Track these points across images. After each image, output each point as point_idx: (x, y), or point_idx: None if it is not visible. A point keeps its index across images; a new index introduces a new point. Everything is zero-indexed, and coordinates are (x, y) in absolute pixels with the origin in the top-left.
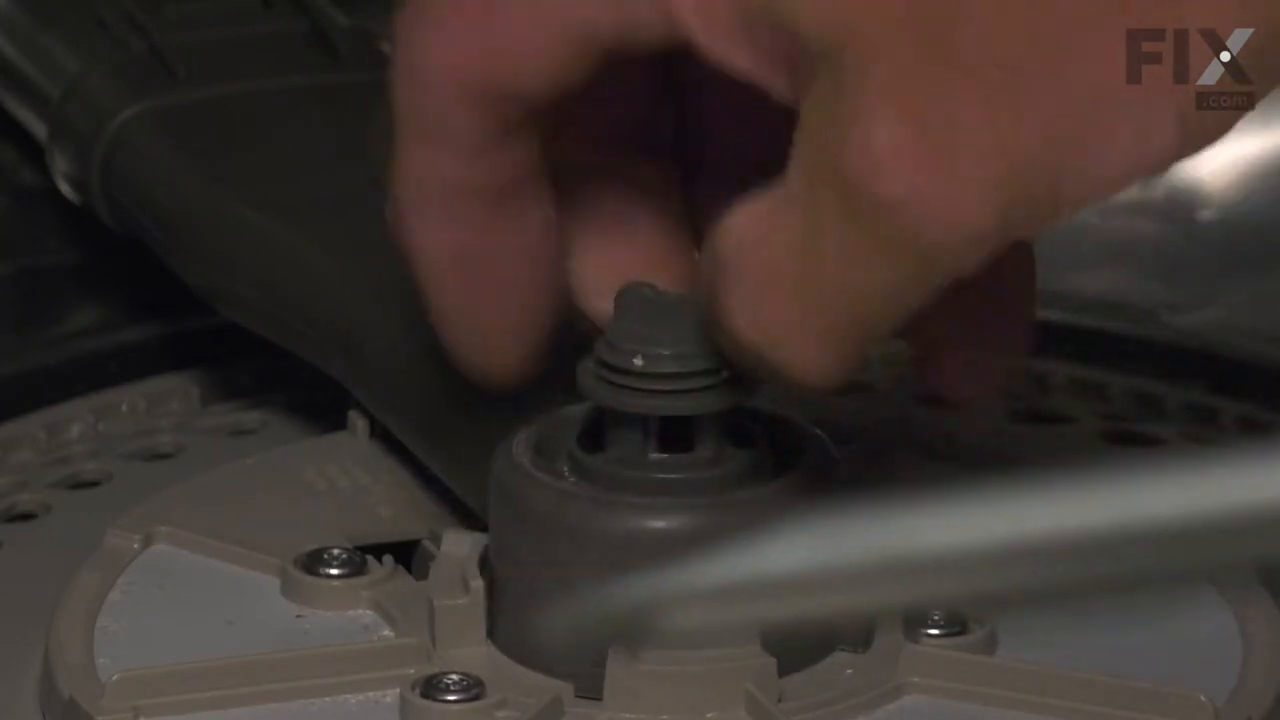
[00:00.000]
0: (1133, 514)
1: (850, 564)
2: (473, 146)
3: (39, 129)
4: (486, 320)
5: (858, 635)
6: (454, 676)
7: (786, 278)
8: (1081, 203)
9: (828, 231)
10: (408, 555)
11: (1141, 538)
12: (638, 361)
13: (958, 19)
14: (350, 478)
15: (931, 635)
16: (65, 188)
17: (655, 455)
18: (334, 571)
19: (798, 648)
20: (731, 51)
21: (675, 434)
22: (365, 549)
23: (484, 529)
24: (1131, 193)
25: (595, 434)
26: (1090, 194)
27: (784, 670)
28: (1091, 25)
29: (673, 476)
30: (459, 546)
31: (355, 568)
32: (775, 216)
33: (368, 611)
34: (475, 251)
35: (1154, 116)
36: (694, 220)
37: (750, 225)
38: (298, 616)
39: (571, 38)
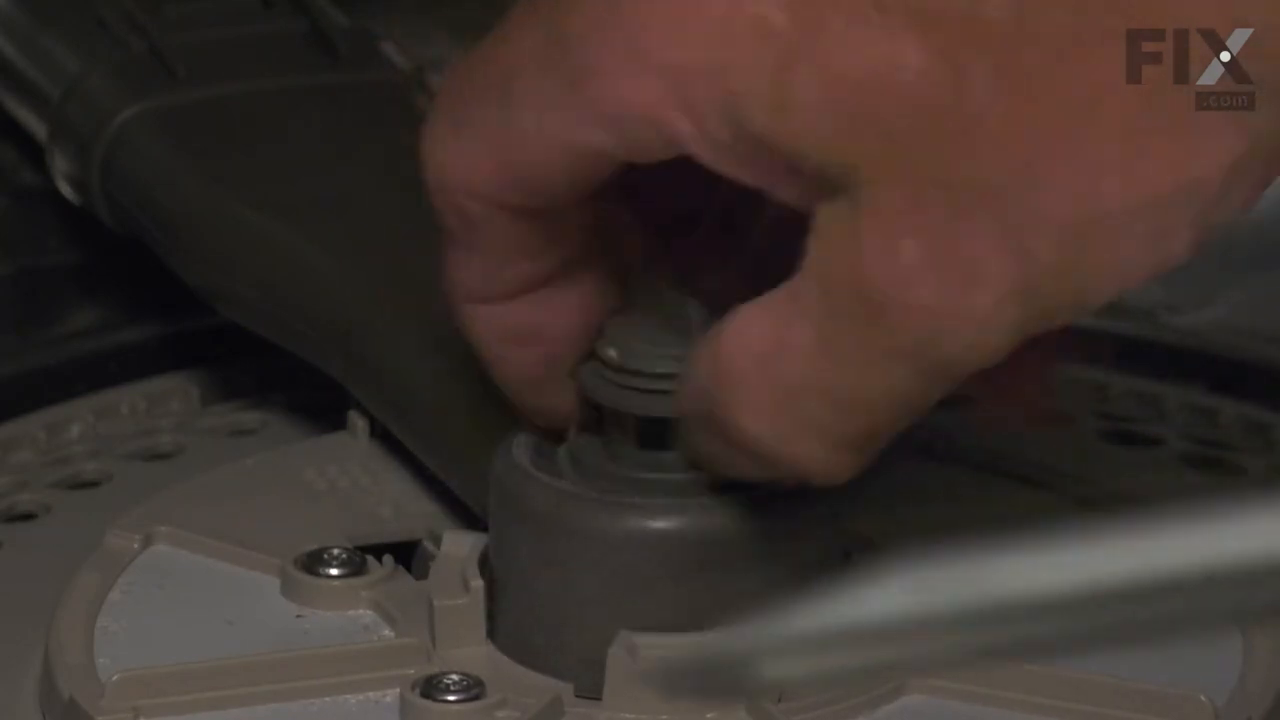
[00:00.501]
0: (1226, 554)
1: (950, 610)
2: (508, 250)
3: (39, 129)
4: (551, 384)
5: None
6: (454, 676)
7: (804, 385)
8: (1101, 301)
9: (845, 339)
10: (408, 555)
11: (1229, 578)
12: (612, 353)
13: (966, 140)
14: (350, 478)
15: None
16: (65, 188)
17: (633, 452)
18: (334, 571)
19: None
20: (737, 169)
21: (655, 432)
22: (365, 549)
23: (484, 529)
24: None
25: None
26: (1108, 294)
27: None
28: (1096, 140)
29: (670, 476)
30: (459, 546)
31: (355, 568)
32: (790, 324)
33: (368, 611)
34: (531, 327)
35: (1168, 223)
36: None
37: (761, 333)
38: (298, 616)
39: (578, 157)
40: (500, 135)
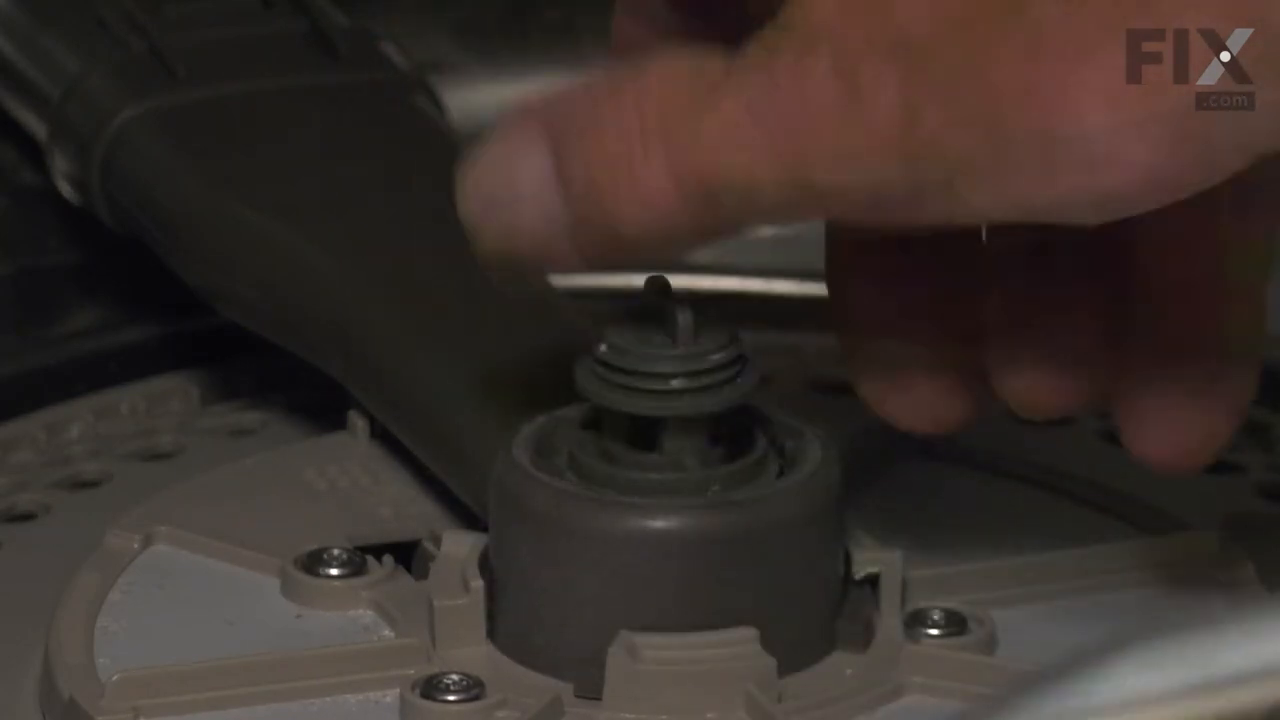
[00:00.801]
0: None
1: (1185, 688)
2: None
3: (39, 129)
4: None
5: (858, 635)
6: (454, 676)
7: (672, 110)
8: (981, 218)
9: (739, 83)
10: (408, 555)
11: None
12: (602, 348)
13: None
14: (350, 478)
15: (931, 635)
16: (65, 188)
17: (625, 450)
18: (334, 571)
19: (798, 648)
20: None
21: (645, 431)
22: (365, 549)
23: (484, 529)
24: None
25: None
26: (987, 212)
27: (784, 670)
28: (1026, 59)
29: (673, 477)
30: (459, 546)
31: (355, 568)
32: (704, 60)
33: (368, 611)
34: None
35: (1068, 158)
36: None
37: (676, 56)
38: (298, 616)
39: None
40: None
